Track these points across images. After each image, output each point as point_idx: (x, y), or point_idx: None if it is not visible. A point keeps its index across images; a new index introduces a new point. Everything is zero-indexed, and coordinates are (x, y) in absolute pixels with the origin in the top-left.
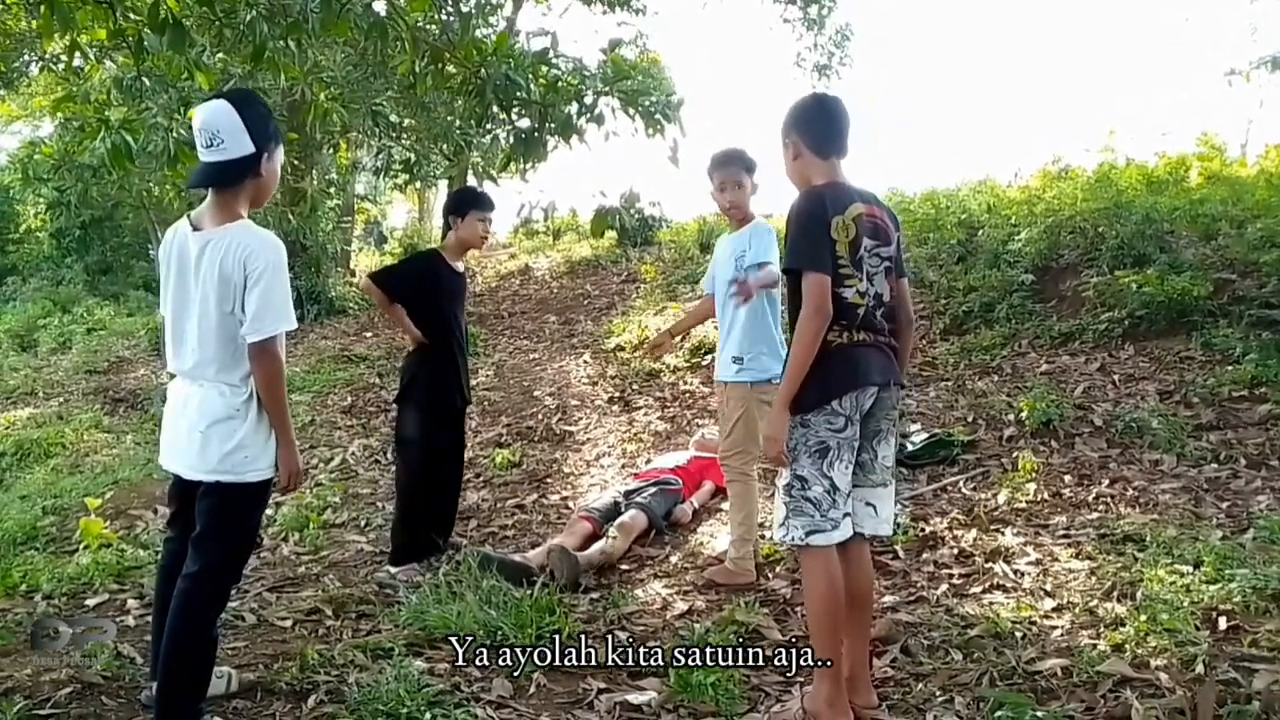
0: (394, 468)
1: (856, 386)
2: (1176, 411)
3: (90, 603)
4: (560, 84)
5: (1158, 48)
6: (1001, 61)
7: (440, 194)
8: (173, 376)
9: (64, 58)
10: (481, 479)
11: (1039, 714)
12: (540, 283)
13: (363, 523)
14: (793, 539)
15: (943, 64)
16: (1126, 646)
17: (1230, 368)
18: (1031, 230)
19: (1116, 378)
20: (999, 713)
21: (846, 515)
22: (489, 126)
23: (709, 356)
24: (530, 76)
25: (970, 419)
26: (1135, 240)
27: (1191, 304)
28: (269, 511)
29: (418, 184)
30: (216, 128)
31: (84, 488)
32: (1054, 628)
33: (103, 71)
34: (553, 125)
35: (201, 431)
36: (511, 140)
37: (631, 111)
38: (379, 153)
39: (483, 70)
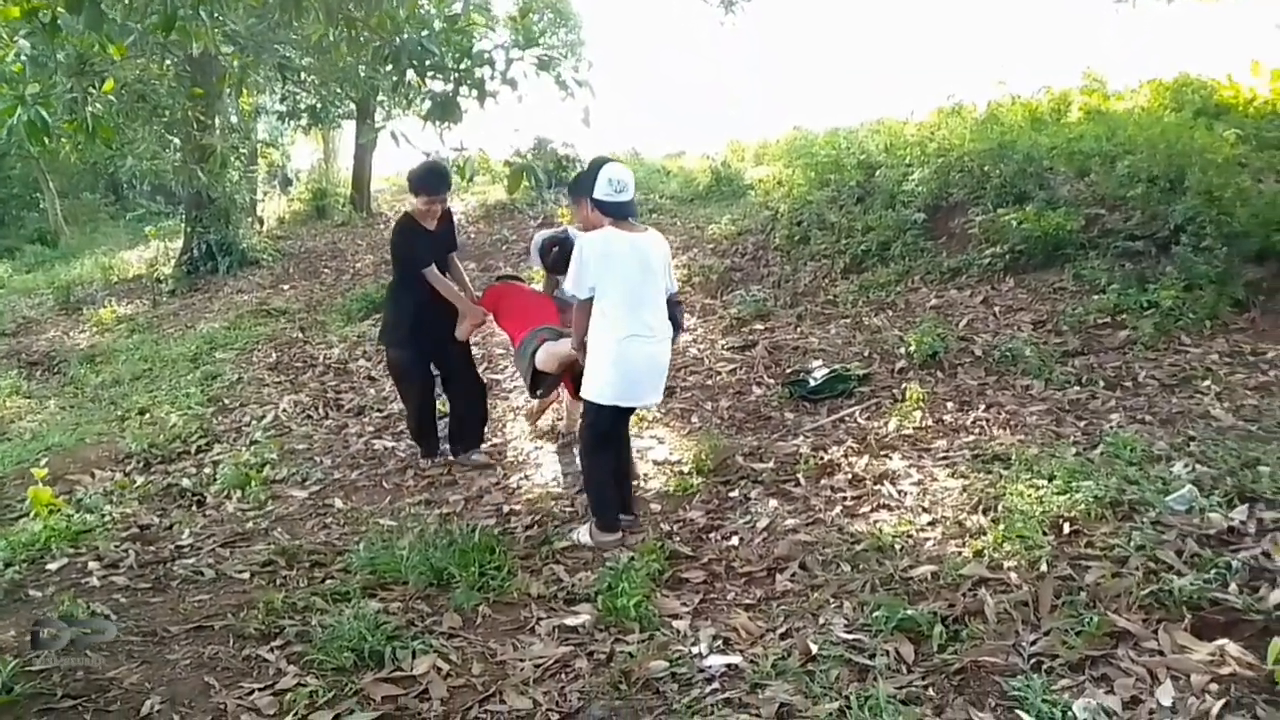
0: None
1: None
2: (1047, 340)
3: (51, 567)
4: (474, 51)
5: None
6: None
7: (346, 134)
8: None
9: None
10: (402, 426)
11: (909, 612)
12: (456, 228)
13: (301, 477)
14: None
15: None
16: (985, 552)
17: (1096, 297)
18: (924, 171)
19: (997, 309)
20: (877, 613)
21: None
22: (408, 94)
23: None
24: (444, 44)
25: (866, 354)
26: (1017, 179)
27: (1065, 238)
28: (208, 470)
29: (320, 125)
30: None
31: (16, 455)
32: (927, 539)
33: (14, 47)
34: (468, 88)
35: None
36: (428, 104)
37: (544, 74)
38: (283, 99)
39: (396, 39)
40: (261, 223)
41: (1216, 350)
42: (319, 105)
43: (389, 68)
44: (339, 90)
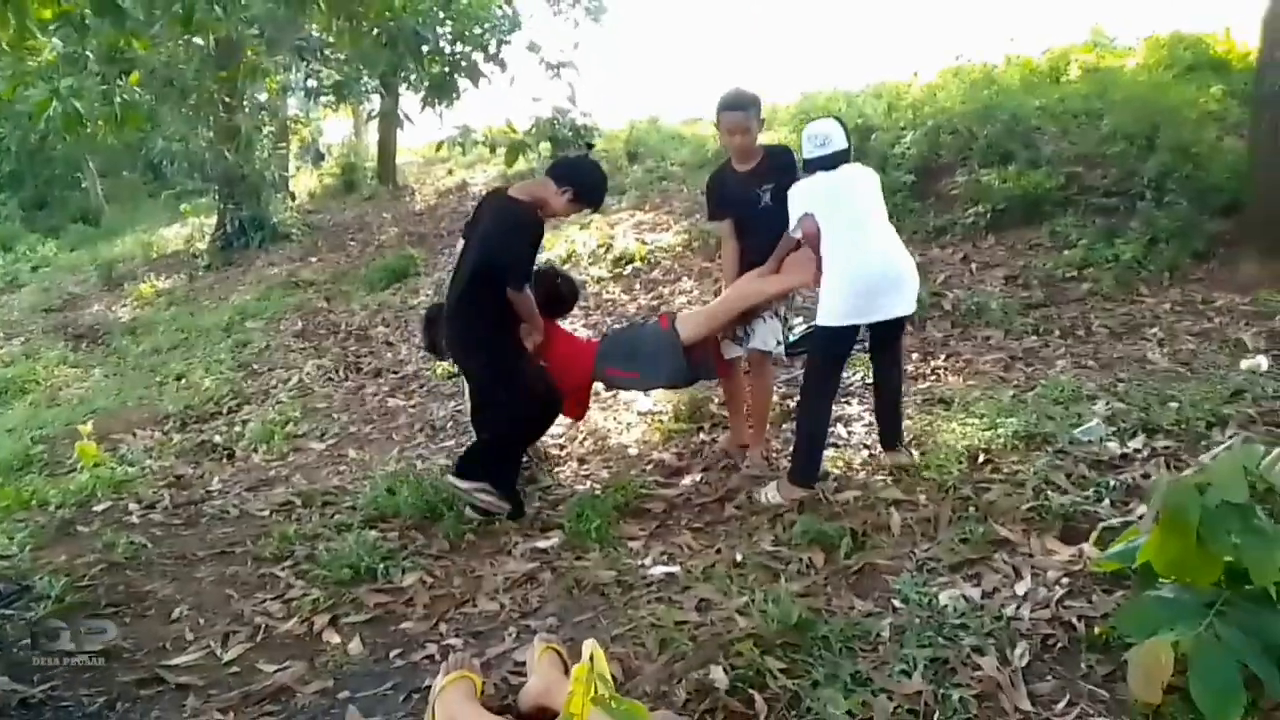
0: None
1: None
2: (1015, 293)
3: (97, 509)
4: (467, 35)
5: None
6: None
7: (374, 108)
8: None
9: (8, 46)
10: (425, 389)
11: (824, 528)
12: (477, 199)
13: (320, 432)
14: None
15: None
16: (903, 479)
17: (1066, 252)
18: (915, 134)
19: (974, 266)
20: (798, 528)
21: None
22: (408, 76)
23: (630, 267)
24: (437, 31)
25: None
26: (1003, 139)
27: (1044, 196)
28: (238, 428)
29: (350, 99)
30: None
31: (65, 418)
32: (859, 470)
33: (48, 45)
34: (462, 71)
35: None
36: (426, 85)
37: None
38: (308, 76)
39: (393, 26)
40: (294, 197)
41: (1170, 300)
42: (343, 82)
43: (387, 52)
44: (360, 68)
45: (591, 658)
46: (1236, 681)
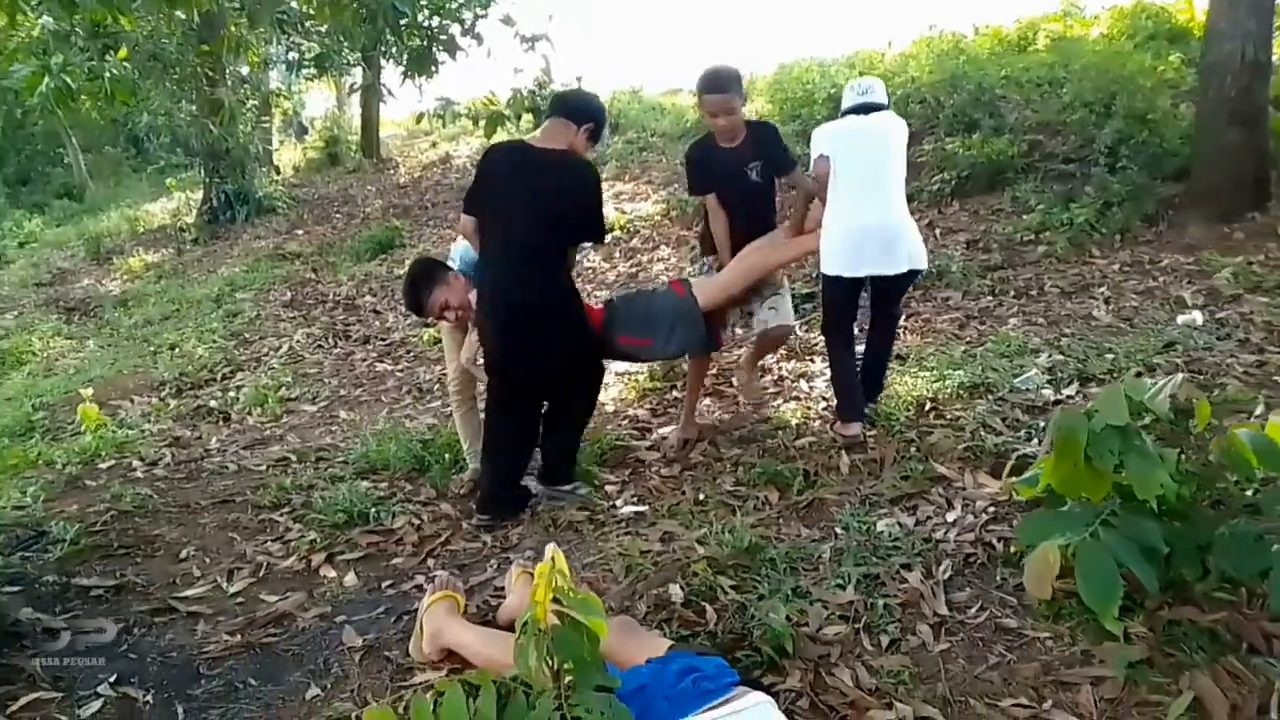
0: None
1: None
2: (975, 257)
3: (102, 466)
4: (444, 9)
5: None
6: None
7: (356, 81)
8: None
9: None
10: (412, 354)
11: (780, 469)
12: (461, 171)
13: (312, 396)
14: None
15: None
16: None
17: (1025, 217)
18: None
19: (939, 231)
20: (757, 470)
21: None
22: (387, 49)
23: (609, 236)
24: (415, 4)
25: (815, 274)
26: (968, 108)
27: (1007, 163)
28: (232, 393)
29: (332, 72)
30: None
31: (63, 387)
32: (816, 419)
33: (36, 23)
34: (439, 45)
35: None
36: (406, 58)
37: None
38: (289, 49)
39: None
40: (278, 171)
41: (1119, 261)
42: (324, 54)
43: (367, 26)
44: (341, 40)
45: (554, 558)
46: (1116, 579)
